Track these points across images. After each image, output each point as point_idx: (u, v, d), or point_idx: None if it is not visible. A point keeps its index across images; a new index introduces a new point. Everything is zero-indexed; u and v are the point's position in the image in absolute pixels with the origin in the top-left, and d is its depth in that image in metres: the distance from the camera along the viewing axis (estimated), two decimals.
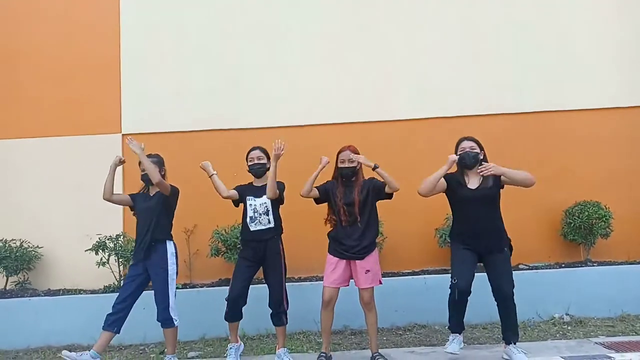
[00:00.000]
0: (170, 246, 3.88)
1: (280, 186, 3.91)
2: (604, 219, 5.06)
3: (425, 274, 5.03)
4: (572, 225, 5.16)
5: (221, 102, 5.65)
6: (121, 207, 5.07)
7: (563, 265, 5.21)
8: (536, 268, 5.12)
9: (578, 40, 5.70)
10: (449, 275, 3.65)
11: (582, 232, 5.13)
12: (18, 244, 5.24)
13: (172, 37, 5.75)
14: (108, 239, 5.00)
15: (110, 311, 3.74)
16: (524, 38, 5.70)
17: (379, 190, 3.77)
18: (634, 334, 4.25)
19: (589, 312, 4.73)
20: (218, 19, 5.76)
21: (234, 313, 3.88)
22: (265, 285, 3.97)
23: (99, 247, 4.94)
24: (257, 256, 3.90)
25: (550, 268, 5.11)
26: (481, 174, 3.53)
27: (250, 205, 3.92)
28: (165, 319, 3.77)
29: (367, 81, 5.68)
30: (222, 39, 5.74)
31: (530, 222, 5.42)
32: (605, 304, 4.73)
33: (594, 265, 5.11)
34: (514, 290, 3.58)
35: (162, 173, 3.96)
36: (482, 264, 3.70)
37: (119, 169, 4.01)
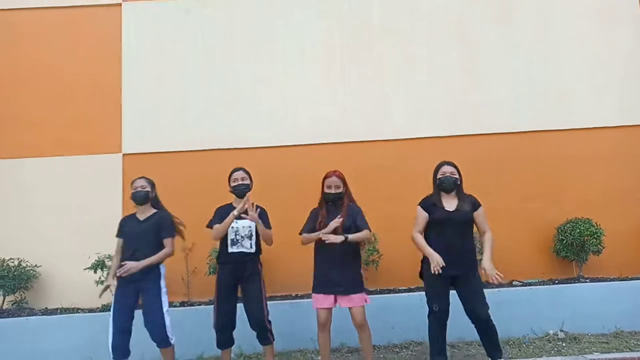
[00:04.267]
0: (162, 269, 3.95)
1: (264, 215, 3.91)
2: (595, 235, 5.15)
3: (421, 291, 5.03)
4: (564, 242, 5.24)
5: (221, 122, 5.73)
6: None
7: (556, 281, 5.27)
8: (530, 285, 5.17)
9: (571, 61, 5.85)
10: None
11: (574, 249, 5.21)
12: (16, 262, 5.24)
13: (172, 58, 5.86)
14: (107, 258, 5.02)
15: (112, 342, 3.74)
16: (518, 58, 5.85)
17: (357, 227, 3.79)
18: (628, 350, 4.29)
19: (583, 328, 4.77)
20: (217, 39, 5.88)
21: (224, 340, 3.90)
22: None
23: (98, 265, 4.97)
24: (235, 277, 3.87)
25: (543, 284, 5.17)
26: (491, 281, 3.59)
27: (232, 227, 3.85)
28: (162, 339, 3.80)
29: (363, 101, 5.79)
30: (221, 59, 5.85)
31: (524, 239, 5.51)
32: (599, 320, 4.78)
33: (586, 282, 5.17)
34: (489, 312, 3.64)
35: (154, 194, 4.03)
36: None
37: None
